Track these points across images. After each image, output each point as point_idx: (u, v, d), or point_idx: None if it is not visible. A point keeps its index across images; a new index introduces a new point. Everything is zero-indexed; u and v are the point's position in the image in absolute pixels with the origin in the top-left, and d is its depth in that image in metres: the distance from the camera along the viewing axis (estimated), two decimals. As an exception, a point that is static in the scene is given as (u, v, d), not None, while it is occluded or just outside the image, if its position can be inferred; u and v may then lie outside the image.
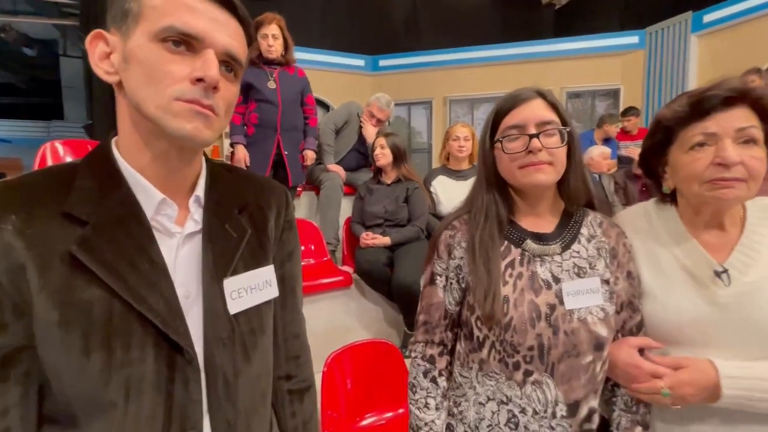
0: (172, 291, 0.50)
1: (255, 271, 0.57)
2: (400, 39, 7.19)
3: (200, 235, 0.54)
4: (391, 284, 2.09)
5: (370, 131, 2.78)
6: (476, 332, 0.74)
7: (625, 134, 4.17)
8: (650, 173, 0.79)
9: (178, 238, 0.52)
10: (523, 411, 0.69)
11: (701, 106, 0.66)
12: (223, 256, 0.54)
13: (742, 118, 0.65)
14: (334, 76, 6.85)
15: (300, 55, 6.55)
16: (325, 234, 2.47)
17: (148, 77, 0.46)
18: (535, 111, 0.71)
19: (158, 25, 0.45)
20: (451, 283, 0.78)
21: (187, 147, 0.51)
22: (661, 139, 0.73)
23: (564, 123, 0.73)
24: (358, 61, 7.01)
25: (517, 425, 0.70)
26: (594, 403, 0.72)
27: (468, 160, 2.44)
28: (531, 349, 0.69)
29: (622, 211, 0.87)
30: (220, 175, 0.60)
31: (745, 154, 0.64)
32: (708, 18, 5.27)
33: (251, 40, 0.55)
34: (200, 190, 0.55)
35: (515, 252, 0.74)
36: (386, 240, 2.18)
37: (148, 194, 0.50)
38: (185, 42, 0.46)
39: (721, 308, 0.68)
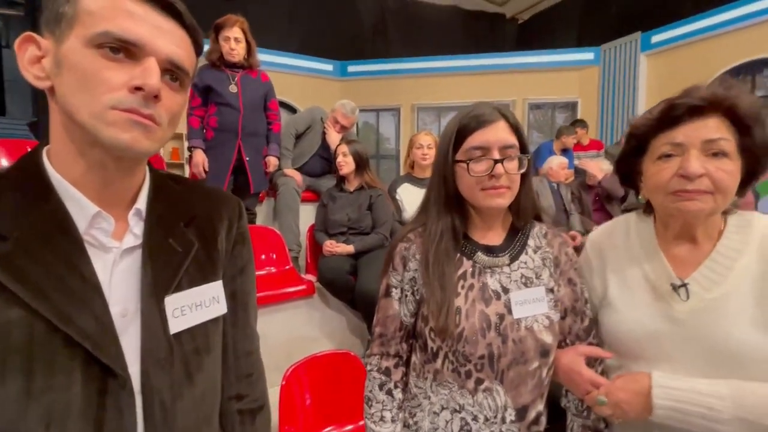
0: (105, 310, 0.46)
1: (201, 287, 0.55)
2: (369, 45, 7.23)
3: (140, 250, 0.51)
4: (354, 293, 2.06)
5: (333, 137, 2.75)
6: (430, 343, 0.75)
7: (577, 145, 4.40)
8: (627, 181, 0.77)
9: (115, 253, 0.49)
10: (475, 418, 0.71)
11: (670, 114, 0.64)
12: (164, 272, 0.51)
13: (712, 129, 0.61)
14: (301, 80, 6.77)
15: (266, 57, 6.46)
16: (285, 240, 2.42)
17: (82, 84, 0.44)
18: (499, 134, 0.72)
19: (94, 31, 0.43)
20: (406, 295, 0.79)
21: (125, 157, 0.48)
22: (634, 147, 0.71)
23: (523, 145, 0.74)
24: (327, 66, 6.97)
25: (470, 429, 0.71)
26: (541, 406, 0.75)
27: (432, 168, 2.47)
28: (482, 357, 0.71)
29: (606, 222, 0.87)
30: (165, 186, 0.57)
31: (712, 166, 0.60)
32: (656, 39, 5.66)
33: (200, 48, 0.53)
34: (141, 203, 0.53)
35: (467, 264, 0.76)
36: (349, 248, 2.15)
37: (80, 207, 0.47)
38: (124, 49, 0.44)
39: (677, 323, 0.66)
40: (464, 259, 0.76)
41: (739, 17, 4.80)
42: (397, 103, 7.08)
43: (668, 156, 0.64)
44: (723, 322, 0.63)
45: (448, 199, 0.76)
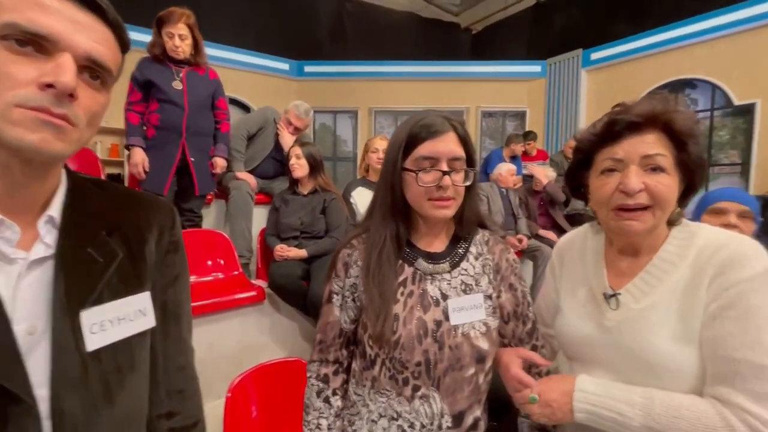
0: (6, 327, 0.42)
1: (125, 299, 0.51)
2: (326, 46, 7.16)
3: (53, 261, 0.47)
4: (307, 298, 2.02)
5: (287, 139, 2.67)
6: (368, 350, 0.75)
7: (525, 155, 4.65)
8: (576, 193, 0.78)
9: (21, 265, 0.45)
10: (411, 425, 0.71)
11: (611, 130, 0.65)
12: (81, 284, 0.47)
13: (650, 144, 0.62)
14: (256, 79, 6.57)
15: (219, 53, 6.22)
16: (236, 246, 2.32)
17: None
18: (449, 146, 0.72)
19: None
20: (347, 302, 0.79)
21: (35, 160, 0.44)
22: (580, 161, 0.73)
23: (470, 157, 0.75)
24: (283, 65, 6.82)
25: None
26: (479, 412, 0.76)
27: (380, 174, 2.48)
28: (418, 365, 0.71)
29: (570, 231, 0.90)
30: (85, 192, 0.52)
31: (651, 180, 0.62)
32: (595, 56, 6.10)
33: (126, 46, 0.50)
34: (54, 210, 0.48)
35: (408, 271, 0.77)
36: (302, 252, 2.11)
37: None
38: (33, 42, 0.41)
39: (606, 331, 0.69)
40: (406, 266, 0.77)
41: (665, 41, 5.30)
42: (354, 106, 7.08)
43: (610, 170, 0.66)
44: (645, 332, 0.64)
45: (394, 206, 0.76)
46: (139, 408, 0.54)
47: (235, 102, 6.45)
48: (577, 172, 0.74)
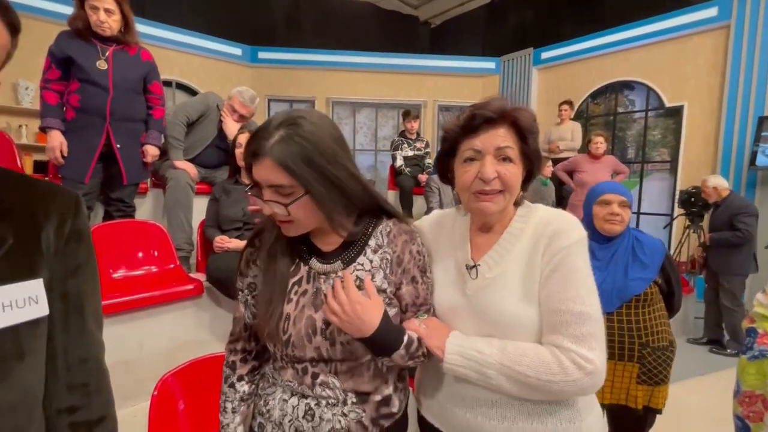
0: None
1: (12, 285, 0.49)
2: (282, 33, 6.94)
3: None
4: (247, 291, 1.96)
5: (230, 127, 2.56)
6: (270, 346, 0.78)
7: None
8: (445, 178, 0.86)
9: None
10: (318, 403, 0.73)
11: (471, 123, 0.74)
12: None
13: (501, 137, 0.73)
14: (207, 63, 6.25)
15: (167, 34, 5.86)
16: (175, 239, 2.21)
17: None
18: (263, 173, 0.67)
19: None
20: (247, 299, 0.81)
21: None
22: (447, 149, 0.81)
23: (297, 177, 0.66)
24: (235, 50, 6.53)
25: (313, 416, 0.73)
26: (388, 390, 0.77)
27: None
28: (312, 360, 0.74)
29: (438, 210, 0.98)
30: None
31: (502, 169, 0.73)
32: (545, 55, 6.36)
33: (15, 27, 0.48)
34: None
35: (303, 270, 0.77)
36: (242, 243, 2.03)
37: None
38: None
39: (468, 299, 0.78)
40: (302, 264, 0.78)
41: (607, 44, 5.62)
42: (311, 95, 6.93)
43: (471, 160, 0.75)
44: (496, 296, 0.75)
45: None
46: (28, 399, 0.52)
47: (183, 87, 6.11)
48: (445, 159, 0.83)
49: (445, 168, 0.84)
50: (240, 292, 0.82)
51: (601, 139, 3.72)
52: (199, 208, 2.47)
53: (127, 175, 2.11)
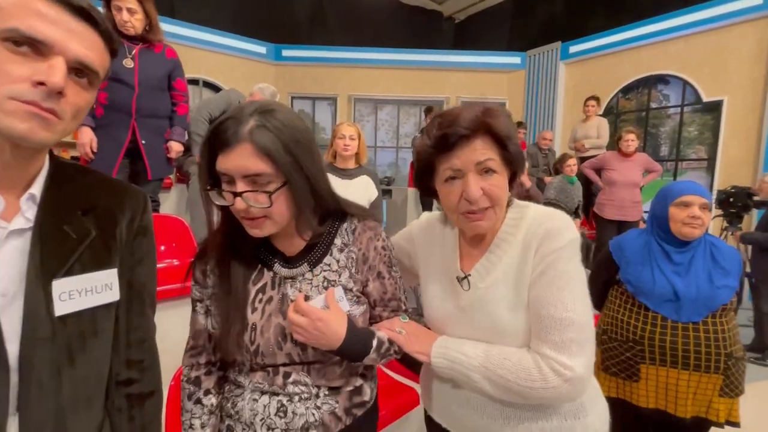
0: None
1: (94, 273, 0.57)
2: (305, 31, 7.00)
3: (30, 233, 0.53)
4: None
5: (253, 123, 2.60)
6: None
7: None
8: (427, 195, 0.81)
9: (0, 234, 0.51)
10: (290, 399, 0.72)
11: (445, 142, 0.70)
12: (55, 256, 0.54)
13: (480, 150, 0.69)
14: (232, 61, 6.38)
15: (194, 33, 6.00)
16: (198, 233, 2.26)
17: None
18: (241, 160, 0.62)
19: (2, 26, 0.46)
20: (208, 309, 0.76)
21: (22, 146, 0.51)
22: (424, 167, 0.76)
23: (280, 166, 0.63)
24: (260, 48, 6.64)
25: (285, 413, 0.72)
26: (359, 382, 0.78)
27: (354, 159, 2.45)
28: (284, 364, 0.72)
29: (426, 213, 0.95)
30: (67, 175, 0.60)
31: (486, 184, 0.70)
32: (573, 49, 6.15)
33: (114, 51, 0.58)
34: (36, 188, 0.55)
35: (267, 276, 0.74)
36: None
37: None
38: (31, 44, 0.47)
39: (462, 310, 0.76)
40: (265, 270, 0.74)
41: (641, 36, 5.37)
42: (333, 93, 6.97)
43: (452, 178, 0.72)
44: (491, 307, 0.73)
45: (226, 215, 0.71)
46: (98, 371, 0.60)
47: (210, 85, 6.27)
48: (424, 178, 0.79)
49: (425, 187, 0.80)
50: (197, 303, 0.77)
51: (632, 136, 3.54)
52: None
53: (152, 170, 2.17)
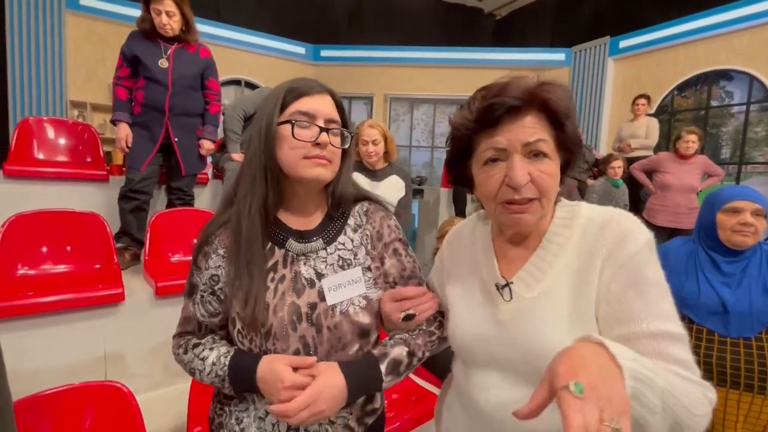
0: None
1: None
2: (343, 31, 7.05)
3: None
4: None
5: (286, 120, 2.61)
6: (240, 346, 0.70)
7: None
8: (460, 183, 0.71)
9: None
10: None
11: (489, 115, 0.59)
12: None
13: (529, 129, 0.58)
14: (272, 62, 6.55)
15: (235, 35, 6.20)
16: (229, 227, 2.30)
17: None
18: (326, 106, 0.70)
19: None
20: (203, 296, 0.72)
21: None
22: (459, 150, 0.66)
23: (345, 125, 0.73)
24: (299, 49, 6.77)
25: (297, 430, 0.68)
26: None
27: (383, 158, 2.38)
28: (297, 352, 0.66)
29: (458, 220, 0.87)
30: None
31: (535, 169, 0.58)
32: (623, 44, 5.77)
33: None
34: None
35: (279, 253, 0.71)
36: None
37: None
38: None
39: (500, 325, 0.63)
40: (276, 248, 0.71)
41: (700, 28, 4.95)
42: (370, 92, 6.98)
43: (494, 161, 0.60)
44: (538, 321, 0.60)
45: (266, 169, 0.68)
46: None
47: (250, 85, 6.46)
48: (458, 162, 0.67)
49: (459, 173, 0.69)
50: (193, 288, 0.73)
51: (693, 137, 3.21)
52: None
53: (185, 166, 2.24)
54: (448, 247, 0.80)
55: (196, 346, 0.72)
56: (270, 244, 0.71)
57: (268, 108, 0.68)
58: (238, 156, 2.50)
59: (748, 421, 1.12)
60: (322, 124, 0.68)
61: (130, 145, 2.09)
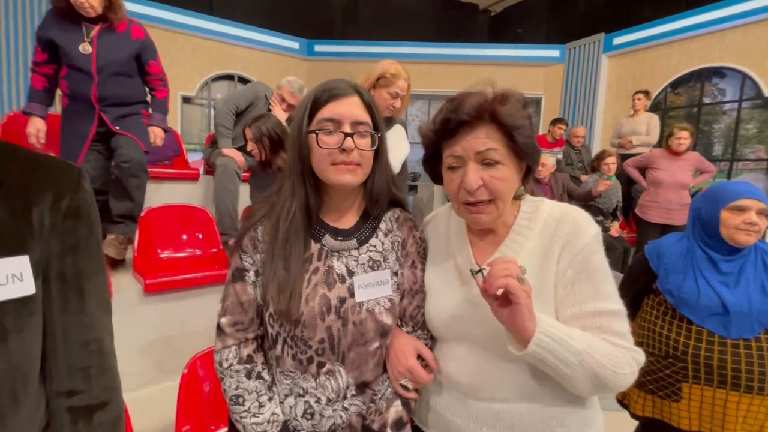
0: None
1: None
2: (338, 26, 7.00)
3: None
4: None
5: (280, 115, 2.57)
6: (269, 329, 0.73)
7: (546, 142, 4.49)
8: (435, 179, 0.79)
9: None
10: (318, 400, 0.72)
11: (446, 127, 0.67)
12: None
13: (481, 140, 0.65)
14: (265, 56, 6.49)
15: (228, 29, 6.14)
16: (220, 224, 2.27)
17: None
18: (352, 109, 0.71)
19: None
20: (254, 280, 0.76)
21: None
22: (430, 153, 0.75)
23: (376, 125, 0.74)
24: (293, 44, 6.71)
25: (313, 415, 0.72)
26: (385, 377, 0.78)
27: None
28: (322, 342, 0.71)
29: (437, 209, 0.91)
30: None
31: (487, 175, 0.65)
32: (617, 41, 5.79)
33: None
34: None
35: (314, 247, 0.75)
36: None
37: None
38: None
39: (474, 306, 0.70)
40: (312, 242, 0.75)
41: (695, 25, 4.97)
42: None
43: (454, 167, 0.69)
44: None
45: (303, 174, 0.73)
46: (12, 379, 0.49)
47: (243, 80, 6.40)
48: (431, 164, 0.76)
49: (432, 173, 0.79)
50: (245, 273, 0.74)
51: (685, 133, 3.22)
52: (245, 194, 2.54)
53: (144, 143, 1.92)
54: (425, 229, 0.87)
55: (258, 377, 0.74)
56: (307, 238, 0.74)
57: (298, 116, 0.73)
58: (228, 151, 2.47)
59: (747, 422, 1.12)
60: (348, 129, 0.69)
61: (42, 141, 1.81)
